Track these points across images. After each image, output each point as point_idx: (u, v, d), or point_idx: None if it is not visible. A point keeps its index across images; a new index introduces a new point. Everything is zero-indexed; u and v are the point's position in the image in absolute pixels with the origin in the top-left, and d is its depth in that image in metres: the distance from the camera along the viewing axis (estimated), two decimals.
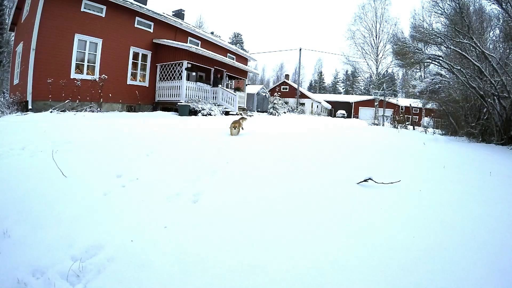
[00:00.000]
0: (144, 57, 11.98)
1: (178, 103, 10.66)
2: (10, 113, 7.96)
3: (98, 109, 9.51)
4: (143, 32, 11.81)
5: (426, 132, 11.52)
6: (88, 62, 9.99)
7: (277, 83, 41.57)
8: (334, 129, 9.40)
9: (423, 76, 17.93)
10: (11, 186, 2.48)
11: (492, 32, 9.27)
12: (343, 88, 63.42)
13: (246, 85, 16.61)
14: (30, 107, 8.46)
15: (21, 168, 2.95)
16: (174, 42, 11.80)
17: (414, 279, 1.45)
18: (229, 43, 27.97)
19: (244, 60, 18.96)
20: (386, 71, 29.89)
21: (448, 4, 8.36)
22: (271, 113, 17.95)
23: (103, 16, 10.25)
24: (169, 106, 11.68)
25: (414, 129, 13.91)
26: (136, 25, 11.52)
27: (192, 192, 2.53)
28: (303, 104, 33.25)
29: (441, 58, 8.64)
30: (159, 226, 1.93)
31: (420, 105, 18.61)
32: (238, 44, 50.60)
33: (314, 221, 2.05)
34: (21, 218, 1.97)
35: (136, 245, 1.70)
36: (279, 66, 64.61)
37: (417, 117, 24.55)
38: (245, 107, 15.38)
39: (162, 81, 12.28)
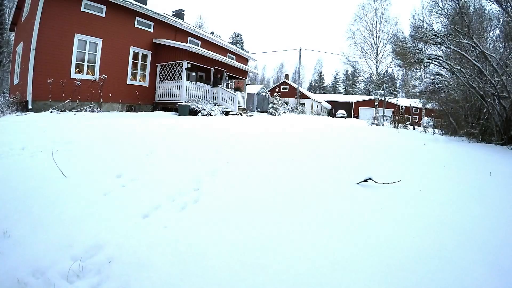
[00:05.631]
0: (144, 57, 11.97)
1: (178, 103, 10.66)
2: (10, 113, 7.95)
3: (98, 109, 9.51)
4: (143, 32, 11.80)
5: (426, 132, 11.52)
6: (88, 62, 9.98)
7: (277, 83, 41.55)
8: (334, 129, 9.40)
9: (423, 76, 17.93)
10: (11, 186, 2.48)
11: (492, 32, 9.28)
12: (343, 88, 63.40)
13: (246, 85, 16.60)
14: (30, 107, 8.45)
15: (21, 168, 2.95)
16: (174, 42, 11.80)
17: (414, 279, 1.45)
18: (229, 43, 27.96)
19: (244, 60, 18.96)
20: (386, 71, 29.92)
21: (448, 4, 8.37)
22: (271, 113, 17.94)
23: (103, 16, 10.25)
24: (169, 106, 11.68)
25: (414, 129, 13.91)
26: (136, 25, 11.52)
27: (192, 191, 2.53)
28: (303, 104, 33.24)
29: (441, 58, 8.64)
30: (159, 226, 1.93)
31: (420, 105, 18.64)
32: (238, 44, 50.57)
33: (314, 221, 2.05)
34: (21, 218, 1.97)
35: (136, 245, 1.70)
36: (279, 66, 64.65)
37: (417, 117, 24.55)
38: (245, 107, 15.37)
39: (162, 81, 12.27)
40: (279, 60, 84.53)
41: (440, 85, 10.61)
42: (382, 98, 25.63)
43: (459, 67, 7.74)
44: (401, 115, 14.85)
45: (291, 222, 2.03)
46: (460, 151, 5.58)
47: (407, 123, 14.96)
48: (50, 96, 8.57)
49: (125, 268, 1.50)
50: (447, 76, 10.18)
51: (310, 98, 35.67)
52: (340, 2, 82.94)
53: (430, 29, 9.15)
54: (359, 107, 39.39)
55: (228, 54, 17.04)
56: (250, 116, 13.27)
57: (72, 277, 1.46)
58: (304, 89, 41.13)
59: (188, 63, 11.50)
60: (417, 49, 9.09)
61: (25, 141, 3.95)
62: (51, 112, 7.99)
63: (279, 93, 20.64)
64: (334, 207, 2.29)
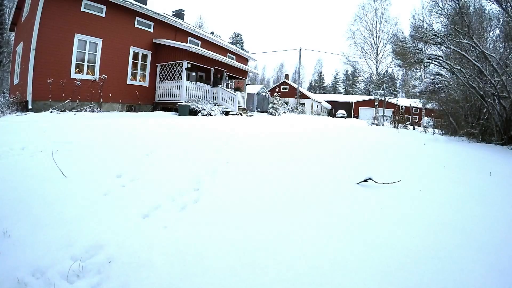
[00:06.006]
0: (144, 57, 11.97)
1: (178, 103, 10.66)
2: (10, 113, 7.95)
3: (98, 109, 9.51)
4: (143, 32, 11.80)
5: (426, 132, 11.51)
6: (88, 62, 9.98)
7: (277, 83, 41.53)
8: (334, 129, 9.40)
9: (423, 76, 17.93)
10: (11, 186, 2.48)
11: (492, 32, 9.27)
12: (343, 88, 63.40)
13: (246, 85, 16.60)
14: (30, 107, 8.45)
15: (21, 168, 2.95)
16: (174, 42, 11.80)
17: (414, 279, 1.45)
18: (229, 43, 27.96)
19: (244, 60, 18.95)
20: (386, 71, 29.89)
21: (448, 4, 8.36)
22: (271, 113, 17.94)
23: (103, 16, 10.25)
24: (169, 106, 11.68)
25: (414, 129, 13.90)
26: (136, 25, 11.52)
27: (192, 191, 2.53)
28: (303, 104, 33.24)
29: (441, 58, 8.64)
30: (159, 226, 1.93)
31: (420, 105, 18.63)
32: (238, 44, 50.55)
33: (314, 221, 2.05)
34: (21, 218, 1.97)
35: (136, 245, 1.70)
36: (279, 66, 64.60)
37: (417, 117, 24.55)
38: (245, 107, 15.37)
39: (162, 81, 12.27)
40: (279, 60, 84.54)
41: (440, 85, 10.61)
42: (382, 98, 25.63)
43: (459, 67, 7.74)
44: (401, 115, 14.84)
45: (291, 222, 2.03)
46: (460, 151, 5.58)
47: (407, 123, 14.96)
48: (50, 96, 8.57)
49: (125, 268, 1.50)
50: (447, 76, 10.17)
51: (310, 98, 35.67)
52: (340, 2, 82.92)
53: (430, 29, 9.14)
54: (359, 107, 39.39)
55: (228, 54, 17.04)
56: (250, 116, 13.27)
57: (72, 277, 1.46)
58: (304, 89, 41.12)
59: (188, 63, 11.50)
60: (417, 49, 9.09)
61: (25, 141, 3.95)
62: (51, 112, 7.99)
63: (279, 93, 20.64)
64: (334, 207, 2.29)
